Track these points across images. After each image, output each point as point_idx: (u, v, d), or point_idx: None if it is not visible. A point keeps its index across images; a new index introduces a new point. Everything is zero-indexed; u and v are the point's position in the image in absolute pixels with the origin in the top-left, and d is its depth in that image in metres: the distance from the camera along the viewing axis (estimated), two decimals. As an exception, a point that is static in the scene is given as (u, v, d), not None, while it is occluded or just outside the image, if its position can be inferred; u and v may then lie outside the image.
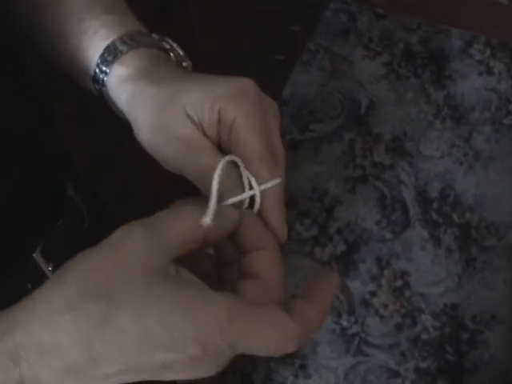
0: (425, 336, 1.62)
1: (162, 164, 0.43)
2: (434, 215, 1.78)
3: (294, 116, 1.95)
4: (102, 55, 0.47)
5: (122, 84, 0.46)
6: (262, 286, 0.38)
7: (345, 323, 1.65)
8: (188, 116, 0.42)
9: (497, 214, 1.77)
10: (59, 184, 0.54)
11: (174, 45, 0.50)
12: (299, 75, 2.02)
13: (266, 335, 0.35)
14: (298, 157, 1.88)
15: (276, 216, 0.41)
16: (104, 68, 0.47)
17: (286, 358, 1.60)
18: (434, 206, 1.79)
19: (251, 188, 0.41)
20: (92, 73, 0.48)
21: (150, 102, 0.43)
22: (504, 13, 1.99)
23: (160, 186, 1.31)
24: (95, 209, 0.60)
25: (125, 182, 1.10)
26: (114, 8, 0.49)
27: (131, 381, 0.35)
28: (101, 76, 0.47)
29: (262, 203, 0.41)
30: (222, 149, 0.43)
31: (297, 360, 1.60)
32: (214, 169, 0.39)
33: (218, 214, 0.38)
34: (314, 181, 1.84)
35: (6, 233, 0.47)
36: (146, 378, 0.35)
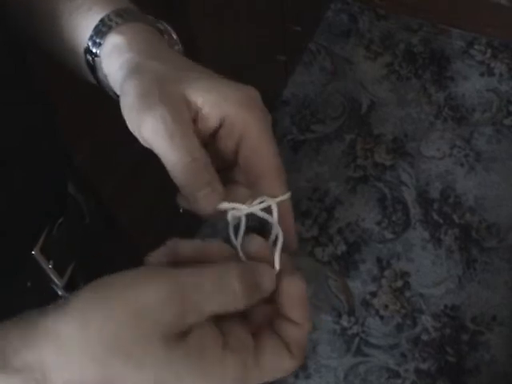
0: (425, 337, 1.62)
1: (137, 134, 0.41)
2: (435, 216, 1.78)
3: (295, 116, 1.95)
4: (96, 27, 0.46)
5: (119, 51, 0.45)
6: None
7: (345, 323, 1.65)
8: (185, 99, 0.41)
9: (497, 215, 1.77)
10: (60, 182, 0.54)
11: (169, 27, 0.49)
12: (300, 76, 2.02)
13: (275, 376, 0.37)
14: (298, 157, 1.88)
15: (291, 223, 0.42)
16: (98, 40, 0.46)
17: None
18: (435, 206, 1.79)
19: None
20: (85, 45, 0.47)
21: (148, 72, 0.42)
22: (505, 14, 1.99)
23: (161, 185, 1.31)
24: (96, 207, 0.60)
25: (125, 181, 1.10)
26: None
27: None
28: (93, 49, 0.46)
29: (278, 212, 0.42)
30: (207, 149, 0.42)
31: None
32: (191, 160, 0.39)
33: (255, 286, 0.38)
34: (315, 181, 1.84)
35: (6, 230, 0.47)
36: None
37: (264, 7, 1.62)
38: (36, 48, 0.52)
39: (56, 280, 0.52)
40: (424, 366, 1.59)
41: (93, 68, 0.48)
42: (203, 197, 0.40)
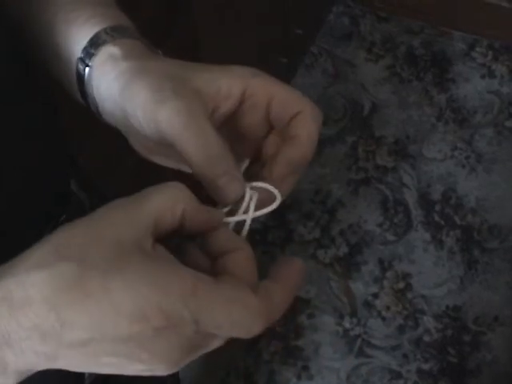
0: (427, 338, 1.63)
1: (152, 128, 0.42)
2: (437, 217, 1.78)
3: (297, 119, 1.95)
4: (91, 39, 0.47)
5: (114, 61, 0.45)
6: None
7: (347, 325, 1.65)
8: (197, 93, 0.42)
9: (499, 216, 1.77)
10: (62, 180, 0.55)
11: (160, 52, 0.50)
12: (302, 78, 2.03)
13: (230, 310, 0.35)
14: (300, 159, 1.88)
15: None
16: (92, 51, 0.46)
17: (289, 359, 1.61)
18: (437, 208, 1.80)
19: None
20: (78, 54, 0.47)
21: (153, 72, 0.43)
22: (506, 16, 2.00)
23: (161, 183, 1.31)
24: (98, 204, 0.60)
25: (128, 179, 1.11)
26: (102, 1, 0.50)
27: (97, 368, 0.36)
28: (86, 59, 0.47)
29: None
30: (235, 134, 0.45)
31: (299, 361, 1.61)
32: (206, 151, 0.40)
33: (202, 209, 0.39)
34: (317, 183, 1.84)
35: (9, 227, 0.47)
36: (114, 366, 0.36)
37: (266, 10, 1.63)
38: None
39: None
40: (426, 367, 1.59)
41: (82, 79, 0.48)
42: (222, 186, 0.41)
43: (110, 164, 0.92)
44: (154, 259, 0.35)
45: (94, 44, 0.46)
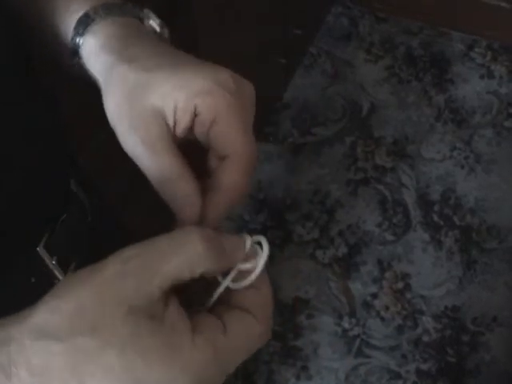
0: (426, 338, 1.63)
1: (122, 145, 0.43)
2: (435, 218, 1.78)
3: (296, 119, 1.96)
4: (75, 27, 0.47)
5: (95, 56, 0.46)
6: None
7: (346, 325, 1.65)
8: (155, 110, 0.42)
9: (498, 216, 1.78)
10: (63, 180, 0.55)
11: (150, 13, 0.50)
12: (301, 79, 2.03)
13: (246, 355, 0.38)
14: (299, 160, 1.88)
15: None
16: (77, 40, 0.47)
17: (288, 359, 1.61)
18: (435, 208, 1.80)
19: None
20: (70, 45, 0.48)
21: (120, 83, 0.43)
22: (505, 16, 2.00)
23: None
24: (98, 204, 0.60)
25: (128, 178, 1.11)
26: None
27: None
28: (77, 50, 0.47)
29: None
30: (197, 141, 0.44)
31: (298, 361, 1.61)
32: (164, 177, 0.41)
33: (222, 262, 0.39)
34: (316, 183, 1.84)
35: (10, 227, 0.47)
36: None
37: (265, 10, 1.63)
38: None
39: (59, 276, 0.53)
40: (425, 367, 1.59)
41: (80, 68, 0.49)
42: (177, 208, 0.42)
43: (110, 164, 0.92)
44: (168, 331, 0.35)
45: (77, 34, 0.47)
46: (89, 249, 0.56)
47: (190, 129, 0.43)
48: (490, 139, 1.90)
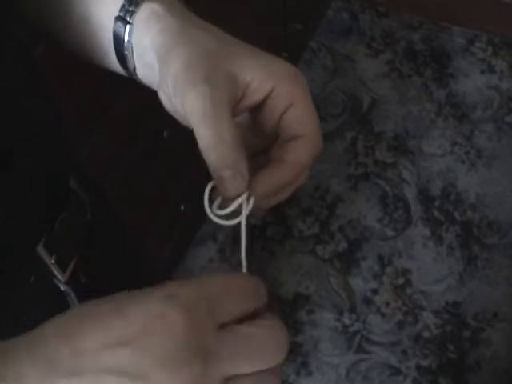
0: (426, 334, 1.63)
1: (178, 107, 0.42)
2: (436, 213, 1.78)
3: (296, 114, 1.95)
4: None
5: (157, 17, 0.45)
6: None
7: (347, 321, 1.65)
8: (230, 77, 0.42)
9: (499, 212, 1.77)
10: (62, 177, 0.55)
11: None
12: (301, 73, 2.02)
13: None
14: (300, 155, 1.88)
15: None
16: (131, 8, 0.46)
17: (288, 355, 1.61)
18: (436, 204, 1.79)
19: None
20: (116, 13, 0.47)
21: (195, 45, 0.43)
22: (506, 11, 1.99)
23: (163, 181, 1.32)
24: (98, 202, 0.60)
25: (128, 176, 1.11)
26: None
27: None
28: (127, 17, 0.46)
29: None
30: (251, 119, 0.45)
31: (298, 357, 1.61)
32: (219, 141, 0.40)
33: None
34: (316, 179, 1.84)
35: (10, 226, 0.47)
36: None
37: (265, 5, 1.63)
38: (46, 41, 0.52)
39: (58, 275, 0.53)
40: (425, 363, 1.59)
41: (119, 38, 0.47)
42: (226, 178, 0.41)
43: (110, 164, 0.92)
44: None
45: (134, 2, 0.46)
46: (88, 247, 0.56)
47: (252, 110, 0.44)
48: (490, 134, 1.89)
